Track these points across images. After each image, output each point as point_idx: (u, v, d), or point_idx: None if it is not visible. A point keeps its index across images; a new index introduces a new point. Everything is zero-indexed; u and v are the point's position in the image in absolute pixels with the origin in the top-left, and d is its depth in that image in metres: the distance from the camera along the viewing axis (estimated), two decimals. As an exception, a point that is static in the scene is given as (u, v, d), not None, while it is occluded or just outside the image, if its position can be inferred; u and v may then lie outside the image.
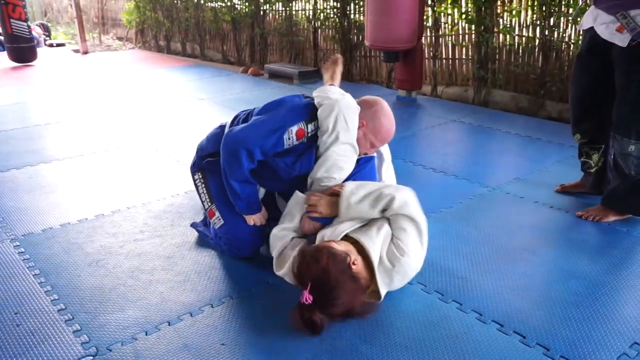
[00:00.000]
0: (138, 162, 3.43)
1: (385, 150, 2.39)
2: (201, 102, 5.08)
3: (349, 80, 5.91)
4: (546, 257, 2.19)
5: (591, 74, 2.42)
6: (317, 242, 1.92)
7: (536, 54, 4.53)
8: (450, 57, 5.15)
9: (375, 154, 2.24)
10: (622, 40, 2.14)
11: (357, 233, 1.88)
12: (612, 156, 2.41)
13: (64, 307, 1.92)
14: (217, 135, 2.30)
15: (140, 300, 1.96)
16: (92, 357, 1.67)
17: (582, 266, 2.11)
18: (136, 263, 2.21)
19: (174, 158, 3.47)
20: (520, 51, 4.64)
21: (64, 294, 2.00)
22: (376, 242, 1.82)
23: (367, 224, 1.93)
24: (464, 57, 5.06)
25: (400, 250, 1.82)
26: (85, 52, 8.43)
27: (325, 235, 1.93)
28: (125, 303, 1.95)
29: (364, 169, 2.14)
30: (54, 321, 1.85)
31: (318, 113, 2.03)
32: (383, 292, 1.82)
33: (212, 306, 1.91)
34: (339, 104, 2.01)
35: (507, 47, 4.70)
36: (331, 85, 2.44)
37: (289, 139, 2.02)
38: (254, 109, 2.24)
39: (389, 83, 5.59)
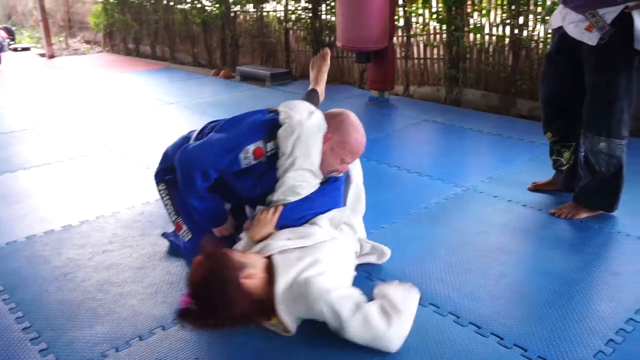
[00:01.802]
0: (107, 170, 3.35)
1: (356, 171, 2.24)
2: (171, 106, 5.00)
3: (322, 81, 5.87)
4: (521, 256, 2.20)
5: (560, 73, 2.44)
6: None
7: (506, 52, 4.57)
8: (421, 56, 5.16)
9: (342, 175, 2.10)
10: (591, 38, 2.16)
11: (282, 255, 1.77)
12: (583, 154, 2.43)
13: (29, 324, 1.85)
14: (183, 140, 2.22)
15: (110, 315, 1.89)
16: (59, 377, 1.60)
17: (556, 264, 2.12)
18: (105, 275, 2.14)
19: (143, 165, 3.39)
20: (491, 50, 4.67)
21: (30, 310, 1.93)
22: (292, 270, 1.70)
23: (306, 250, 1.81)
24: (435, 56, 5.07)
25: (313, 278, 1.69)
26: (52, 56, 8.22)
27: (257, 247, 1.85)
28: (94, 318, 1.88)
29: (327, 188, 2.02)
30: (18, 340, 1.77)
31: (278, 132, 1.90)
32: (285, 319, 1.68)
33: (185, 318, 1.86)
34: (300, 127, 1.87)
35: (478, 46, 4.73)
36: (313, 90, 2.34)
37: (246, 158, 1.90)
38: (221, 121, 2.14)
39: (362, 84, 5.58)
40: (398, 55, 5.14)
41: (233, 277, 1.60)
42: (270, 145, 1.92)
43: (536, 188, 2.82)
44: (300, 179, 1.92)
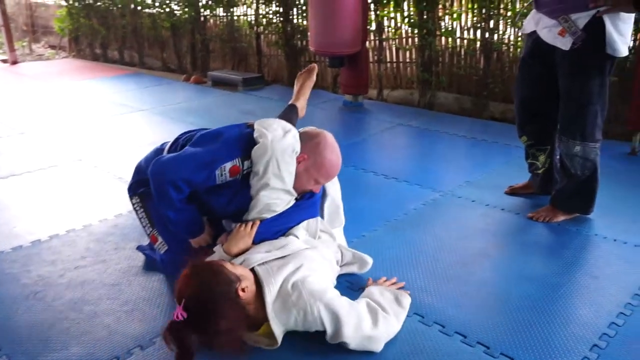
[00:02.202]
0: (76, 181, 3.24)
1: (333, 186, 2.22)
2: (142, 112, 4.88)
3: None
4: (502, 262, 2.20)
5: (534, 77, 2.46)
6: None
7: (478, 55, 4.61)
8: (394, 60, 5.17)
9: (319, 191, 2.08)
10: (564, 43, 2.18)
11: (264, 265, 1.73)
12: (559, 157, 2.45)
13: (-2, 348, 1.76)
14: (156, 153, 2.16)
15: (84, 335, 1.82)
16: (32, 404, 1.53)
17: (537, 269, 2.13)
18: (79, 293, 2.06)
19: (115, 175, 3.29)
20: (463, 53, 4.71)
21: (-1, 333, 1.84)
22: (277, 278, 1.67)
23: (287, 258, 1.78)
24: (407, 60, 5.09)
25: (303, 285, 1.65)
26: (15, 62, 7.98)
27: (238, 261, 1.79)
28: (68, 339, 1.80)
29: (303, 203, 2.01)
30: (-13, 365, 1.69)
31: (252, 151, 1.87)
32: (277, 331, 1.63)
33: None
34: (272, 148, 1.84)
35: (450, 49, 4.76)
36: (292, 106, 2.26)
37: (222, 175, 1.87)
38: (196, 132, 2.09)
39: (335, 88, 5.56)
40: (371, 59, 5.14)
41: (230, 289, 1.56)
42: (247, 164, 1.89)
43: (513, 191, 2.83)
44: (274, 197, 1.91)
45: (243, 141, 1.90)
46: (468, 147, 3.72)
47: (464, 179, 3.08)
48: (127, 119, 4.69)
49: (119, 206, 2.81)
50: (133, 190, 2.22)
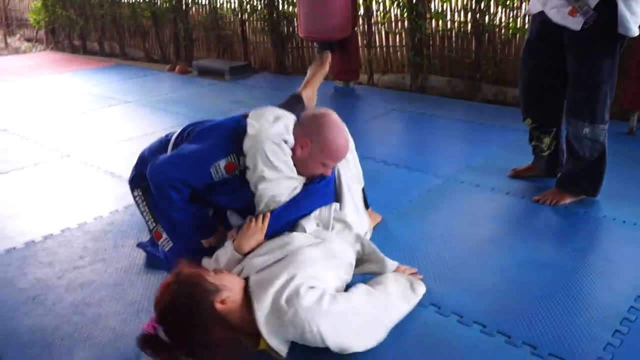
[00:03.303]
0: (66, 178, 3.13)
1: (347, 165, 2.09)
2: (128, 105, 4.75)
3: (282, 73, 5.74)
4: (513, 248, 2.16)
5: (541, 59, 2.40)
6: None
7: (469, 38, 4.55)
8: (384, 44, 5.10)
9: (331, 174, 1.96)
10: (575, 23, 2.12)
11: (258, 275, 1.64)
12: (566, 139, 2.41)
13: (-1, 357, 1.68)
14: (161, 144, 2.08)
15: (89, 340, 1.74)
16: (41, 416, 1.45)
17: (550, 254, 2.10)
18: (80, 296, 1.98)
19: (106, 170, 3.19)
20: (454, 36, 4.65)
21: (-2, 341, 1.75)
22: (268, 292, 1.55)
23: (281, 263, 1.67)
24: (398, 44, 5.02)
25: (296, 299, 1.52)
26: (-9, 57, 7.74)
27: (237, 269, 1.71)
28: (73, 345, 1.72)
29: (314, 187, 1.90)
30: (-11, 376, 1.60)
31: (243, 145, 1.80)
32: (274, 344, 1.53)
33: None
34: (258, 139, 1.77)
35: (441, 32, 4.70)
36: (296, 96, 2.16)
37: (217, 172, 1.81)
38: (198, 126, 2.00)
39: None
40: (360, 44, 5.06)
41: (205, 301, 1.45)
42: (243, 160, 1.81)
43: (516, 174, 2.79)
44: (275, 188, 1.81)
45: (237, 135, 1.82)
46: (466, 130, 3.67)
47: (465, 163, 3.03)
48: (113, 112, 4.55)
49: (114, 203, 2.72)
50: (135, 183, 2.13)
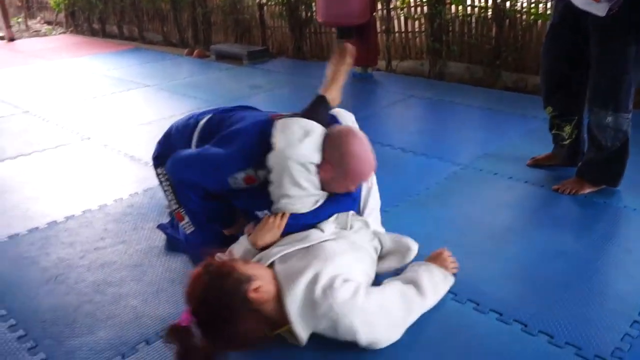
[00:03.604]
0: (87, 160, 3.18)
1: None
2: (147, 89, 4.79)
3: (300, 58, 5.73)
4: (531, 237, 2.15)
5: (564, 45, 2.37)
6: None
7: (490, 23, 4.49)
8: (403, 30, 5.05)
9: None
10: (599, 9, 2.08)
11: (284, 265, 1.62)
12: (588, 128, 2.38)
13: (24, 333, 1.72)
14: (188, 127, 2.02)
15: (111, 319, 1.78)
16: (64, 391, 1.49)
17: (568, 244, 2.08)
18: (101, 275, 2.02)
19: (125, 153, 3.22)
20: (474, 21, 4.59)
21: (22, 318, 1.80)
22: (299, 283, 1.53)
23: (313, 250, 1.67)
24: (417, 29, 4.97)
25: (331, 292, 1.52)
26: (12, 39, 7.83)
27: (256, 258, 1.70)
28: (94, 323, 1.76)
29: (339, 196, 1.85)
30: (14, 350, 1.65)
31: (267, 159, 1.73)
32: (300, 334, 1.53)
33: (192, 318, 1.75)
34: (283, 158, 1.69)
35: (460, 18, 4.64)
36: (320, 99, 1.92)
37: (235, 182, 1.77)
38: (227, 120, 1.95)
39: (342, 59, 5.43)
40: (379, 30, 5.02)
41: (239, 290, 1.45)
42: (262, 173, 1.76)
43: (535, 163, 2.77)
44: (297, 204, 1.77)
45: (260, 147, 1.73)
46: (484, 118, 3.64)
47: (483, 151, 3.01)
48: (132, 95, 4.59)
49: (133, 185, 2.76)
50: (159, 160, 2.09)
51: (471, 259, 2.00)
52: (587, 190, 2.45)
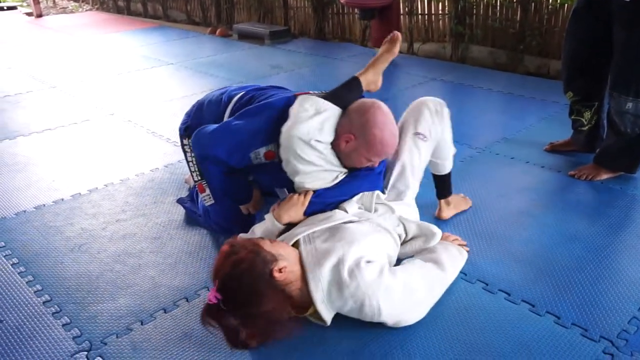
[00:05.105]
0: (110, 135, 3.25)
1: (410, 154, 1.97)
2: (170, 66, 4.85)
3: (322, 39, 5.72)
4: (545, 221, 2.16)
5: (587, 29, 2.34)
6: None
7: (515, 7, 4.43)
8: (426, 12, 5.01)
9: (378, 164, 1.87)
10: (623, -6, 2.06)
11: (309, 246, 1.63)
12: (607, 114, 2.36)
13: (49, 298, 1.81)
14: (220, 103, 2.04)
15: (131, 287, 1.85)
16: (86, 353, 1.57)
17: (581, 228, 2.09)
18: (122, 246, 2.09)
19: (148, 129, 3.29)
20: (499, 5, 4.53)
21: (48, 283, 1.88)
22: (325, 266, 1.54)
23: (338, 232, 1.66)
24: (440, 12, 4.93)
25: (358, 272, 1.53)
26: (40, 15, 7.95)
27: (280, 238, 1.72)
28: (115, 290, 1.84)
29: (362, 172, 1.85)
30: (40, 314, 1.73)
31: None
32: (325, 315, 1.55)
33: (207, 289, 1.81)
34: (287, 136, 1.71)
35: (485, 1, 4.58)
36: (353, 80, 1.90)
37: (257, 158, 1.80)
38: (257, 97, 1.97)
39: (364, 41, 5.43)
40: (402, 11, 4.99)
41: (265, 269, 1.47)
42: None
43: (553, 149, 2.76)
44: (313, 179, 1.78)
45: (281, 123, 1.75)
46: (504, 102, 3.62)
47: (501, 135, 3.01)
48: (155, 73, 4.66)
49: (155, 160, 2.83)
50: (186, 130, 2.13)
51: (482, 241, 2.03)
52: (604, 177, 2.44)
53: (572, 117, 2.63)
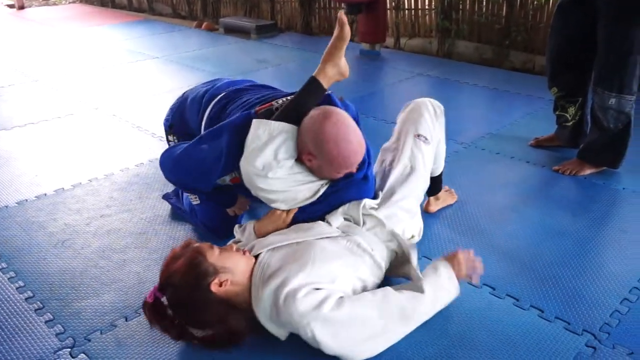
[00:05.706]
0: (94, 129, 3.22)
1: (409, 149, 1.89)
2: (155, 60, 4.80)
3: (308, 34, 5.70)
4: (529, 215, 2.18)
5: (572, 25, 2.36)
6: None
7: (500, 2, 4.44)
8: (412, 7, 5.01)
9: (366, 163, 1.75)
10: (608, -11, 2.08)
11: (264, 261, 1.55)
12: (591, 109, 2.39)
13: (31, 294, 1.78)
14: (202, 102, 2.00)
15: (115, 283, 1.84)
16: (69, 349, 1.55)
17: (565, 223, 2.11)
18: (106, 242, 2.07)
19: (133, 124, 3.26)
20: (484, 0, 4.54)
21: (30, 280, 1.86)
22: (267, 285, 1.47)
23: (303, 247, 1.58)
24: (427, 7, 4.93)
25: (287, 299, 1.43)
26: (21, 7, 7.83)
27: (249, 246, 1.66)
28: (100, 287, 1.82)
29: (343, 184, 1.73)
30: (22, 311, 1.71)
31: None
32: (274, 332, 1.51)
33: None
34: (245, 174, 1.64)
35: (471, -4, 4.60)
36: (312, 83, 1.69)
37: (224, 182, 1.75)
38: (229, 93, 1.95)
39: (351, 36, 5.41)
40: (388, 6, 4.99)
41: (202, 282, 1.45)
42: None
43: (538, 144, 2.78)
44: (291, 201, 1.68)
45: (241, 149, 1.64)
46: (490, 98, 3.65)
47: (487, 130, 3.03)
48: (140, 67, 4.61)
49: (139, 155, 2.80)
50: (170, 128, 2.10)
51: (467, 236, 2.05)
52: (588, 172, 2.47)
53: (557, 113, 2.65)
